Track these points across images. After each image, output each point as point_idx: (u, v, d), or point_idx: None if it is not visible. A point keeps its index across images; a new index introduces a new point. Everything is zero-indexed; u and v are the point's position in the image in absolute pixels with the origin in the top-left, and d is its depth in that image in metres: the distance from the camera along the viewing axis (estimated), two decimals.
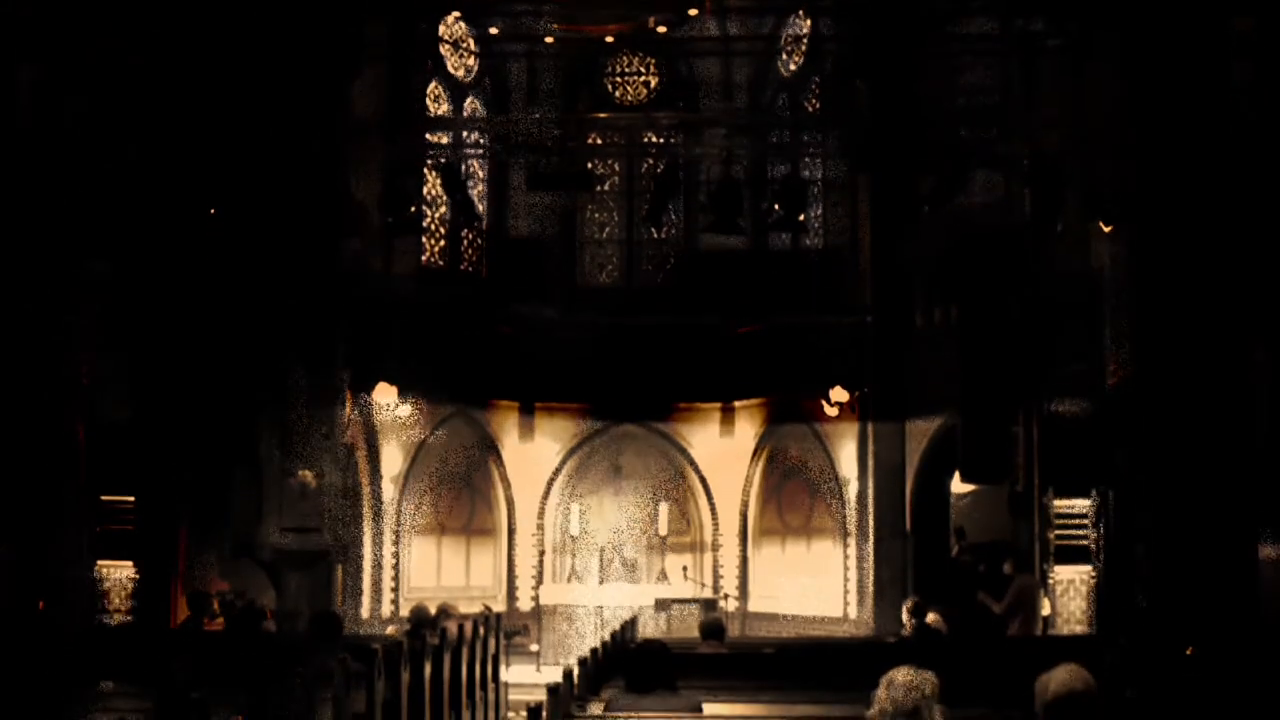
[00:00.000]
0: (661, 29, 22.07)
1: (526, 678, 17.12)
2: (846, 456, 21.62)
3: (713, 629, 11.78)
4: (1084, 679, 5.69)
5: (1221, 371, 13.25)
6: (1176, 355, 13.56)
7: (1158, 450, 14.08)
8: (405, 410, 20.83)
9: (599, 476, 23.76)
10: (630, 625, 15.93)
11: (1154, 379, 14.12)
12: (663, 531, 22.36)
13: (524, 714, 6.86)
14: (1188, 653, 10.12)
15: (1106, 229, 15.08)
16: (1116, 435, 15.80)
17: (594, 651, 10.97)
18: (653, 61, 24.86)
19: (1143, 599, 14.14)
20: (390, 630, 16.95)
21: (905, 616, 13.24)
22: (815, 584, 22.00)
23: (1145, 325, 14.31)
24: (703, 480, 23.64)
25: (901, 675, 5.63)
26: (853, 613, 21.25)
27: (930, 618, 12.88)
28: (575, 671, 8.84)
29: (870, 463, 20.96)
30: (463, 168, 21.14)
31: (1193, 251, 13.38)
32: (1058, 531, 16.91)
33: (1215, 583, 12.67)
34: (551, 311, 23.38)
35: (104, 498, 16.15)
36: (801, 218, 19.35)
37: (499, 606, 21.45)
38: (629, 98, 24.88)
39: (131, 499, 16.26)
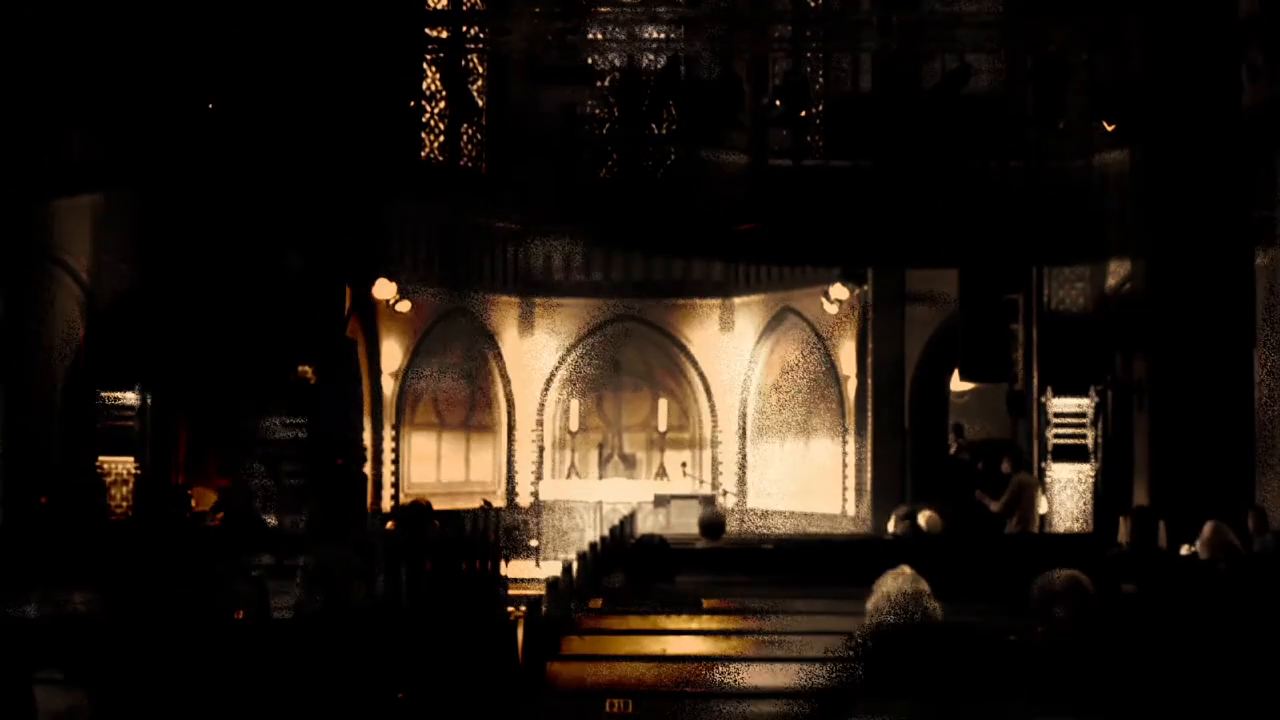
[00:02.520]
0: None
1: (526, 572, 17.26)
2: (846, 354, 21.61)
3: (712, 525, 11.79)
4: (1078, 578, 5.75)
5: (1224, 270, 13.19)
6: (1179, 254, 13.48)
7: (1157, 348, 14.07)
8: (405, 306, 20.78)
9: (598, 372, 23.76)
10: (629, 521, 16.02)
11: (1156, 277, 14.06)
12: (662, 427, 22.44)
13: (523, 608, 6.89)
14: (1183, 552, 10.17)
15: (1110, 128, 14.95)
16: (1116, 334, 15.80)
17: (593, 546, 11.05)
18: None
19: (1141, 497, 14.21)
20: (389, 525, 17.03)
21: (894, 524, 12.97)
22: (813, 480, 22.09)
23: (1148, 224, 14.23)
24: (702, 377, 23.65)
25: (899, 573, 5.69)
26: (850, 509, 21.35)
27: (926, 515, 12.78)
28: (574, 566, 8.89)
29: (869, 360, 20.91)
30: (462, 62, 20.89)
31: (1198, 152, 13.26)
32: (1055, 430, 16.98)
33: (1213, 479, 12.70)
34: (551, 207, 23.23)
35: (104, 393, 16.20)
36: (804, 114, 19.13)
37: (498, 502, 21.56)
38: None
39: (132, 394, 16.30)
